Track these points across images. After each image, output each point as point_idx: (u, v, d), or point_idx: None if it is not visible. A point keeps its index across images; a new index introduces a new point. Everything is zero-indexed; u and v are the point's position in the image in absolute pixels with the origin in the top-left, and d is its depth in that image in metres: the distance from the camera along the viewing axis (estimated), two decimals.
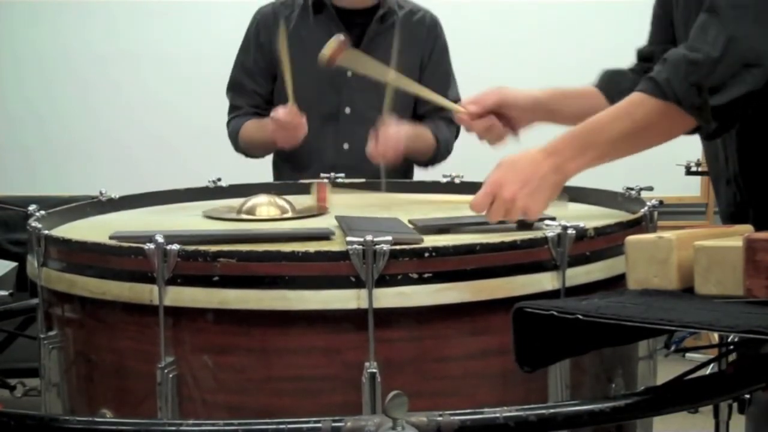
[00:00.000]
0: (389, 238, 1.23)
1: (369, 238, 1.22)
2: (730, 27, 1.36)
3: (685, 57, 1.37)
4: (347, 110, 2.40)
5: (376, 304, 1.22)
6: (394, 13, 2.40)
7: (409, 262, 1.24)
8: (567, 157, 1.44)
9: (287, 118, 2.22)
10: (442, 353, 1.28)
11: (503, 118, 1.75)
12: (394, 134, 2.16)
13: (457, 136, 2.45)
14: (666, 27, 1.72)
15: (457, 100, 2.44)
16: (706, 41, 1.37)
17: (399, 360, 1.26)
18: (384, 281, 1.22)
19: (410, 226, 1.49)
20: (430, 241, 1.30)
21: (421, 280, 1.24)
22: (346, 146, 2.40)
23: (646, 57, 1.78)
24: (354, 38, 2.39)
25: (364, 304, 1.22)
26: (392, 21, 2.39)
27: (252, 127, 2.45)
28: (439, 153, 2.43)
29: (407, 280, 1.23)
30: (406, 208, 1.76)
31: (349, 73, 2.38)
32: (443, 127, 2.41)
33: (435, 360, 1.28)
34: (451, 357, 1.29)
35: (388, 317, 1.24)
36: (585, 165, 1.46)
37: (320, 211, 1.76)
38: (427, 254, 1.24)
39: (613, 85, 1.72)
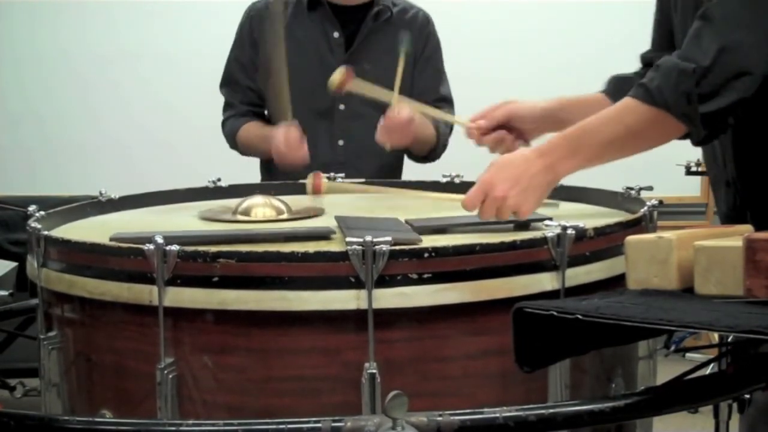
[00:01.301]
0: (389, 238, 1.23)
1: (368, 238, 1.22)
2: (723, 36, 1.37)
3: (677, 66, 1.38)
4: (341, 107, 2.39)
5: (376, 305, 1.22)
6: (389, 10, 2.39)
7: (409, 263, 1.23)
8: (558, 158, 1.46)
9: (286, 149, 2.21)
10: (442, 353, 1.28)
11: (513, 130, 1.77)
12: (406, 118, 2.13)
13: (450, 133, 2.45)
14: (666, 33, 1.72)
15: (448, 98, 2.45)
16: (699, 50, 1.38)
17: (399, 360, 1.26)
18: (383, 281, 1.22)
19: (407, 226, 1.49)
20: (430, 241, 1.30)
21: (421, 281, 1.23)
22: (340, 143, 2.39)
23: (648, 63, 1.79)
24: (348, 35, 2.39)
25: (364, 305, 1.22)
26: (386, 18, 2.39)
27: (252, 134, 2.44)
28: (438, 147, 2.41)
29: (407, 281, 1.23)
30: (405, 209, 1.76)
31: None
32: (440, 122, 2.41)
33: (435, 360, 1.28)
34: (451, 357, 1.29)
35: (387, 317, 1.24)
36: (576, 166, 1.47)
37: (315, 194, 1.77)
38: (426, 254, 1.24)
39: (621, 91, 1.72)
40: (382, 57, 2.23)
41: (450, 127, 2.43)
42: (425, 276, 1.24)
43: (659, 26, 1.76)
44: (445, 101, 2.43)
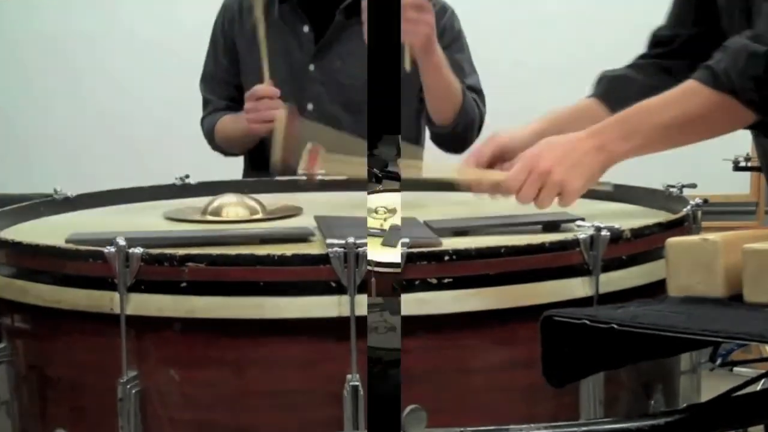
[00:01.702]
0: (407, 240, 1.24)
1: (351, 240, 1.24)
2: None
3: (747, 47, 1.41)
4: (310, 106, 2.46)
5: (359, 311, 1.24)
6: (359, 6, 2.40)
7: (428, 266, 1.26)
8: (610, 138, 1.49)
9: (263, 92, 2.29)
10: (463, 365, 1.31)
11: (507, 162, 1.76)
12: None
13: (482, 124, 2.46)
14: (690, 11, 1.74)
15: (475, 88, 2.46)
16: None
17: (414, 372, 1.26)
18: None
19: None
20: (449, 243, 1.32)
21: (441, 286, 1.26)
22: (309, 145, 2.41)
23: (663, 41, 1.79)
24: (317, 31, 2.43)
25: (346, 312, 1.25)
26: (359, 14, 2.39)
27: (227, 121, 2.54)
28: (464, 112, 2.38)
29: (425, 286, 1.26)
30: (417, 208, 1.77)
31: (312, 67, 2.44)
32: (468, 96, 2.42)
33: (455, 372, 1.30)
34: (473, 369, 1.32)
35: (402, 325, 1.24)
36: (632, 150, 1.50)
37: (309, 172, 1.78)
38: (447, 258, 1.27)
39: (615, 93, 1.75)
40: (355, 53, 2.25)
41: (480, 111, 2.43)
42: (445, 281, 1.26)
43: (683, 2, 1.77)
44: (471, 91, 2.45)
